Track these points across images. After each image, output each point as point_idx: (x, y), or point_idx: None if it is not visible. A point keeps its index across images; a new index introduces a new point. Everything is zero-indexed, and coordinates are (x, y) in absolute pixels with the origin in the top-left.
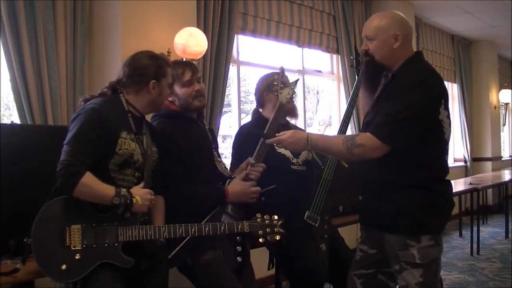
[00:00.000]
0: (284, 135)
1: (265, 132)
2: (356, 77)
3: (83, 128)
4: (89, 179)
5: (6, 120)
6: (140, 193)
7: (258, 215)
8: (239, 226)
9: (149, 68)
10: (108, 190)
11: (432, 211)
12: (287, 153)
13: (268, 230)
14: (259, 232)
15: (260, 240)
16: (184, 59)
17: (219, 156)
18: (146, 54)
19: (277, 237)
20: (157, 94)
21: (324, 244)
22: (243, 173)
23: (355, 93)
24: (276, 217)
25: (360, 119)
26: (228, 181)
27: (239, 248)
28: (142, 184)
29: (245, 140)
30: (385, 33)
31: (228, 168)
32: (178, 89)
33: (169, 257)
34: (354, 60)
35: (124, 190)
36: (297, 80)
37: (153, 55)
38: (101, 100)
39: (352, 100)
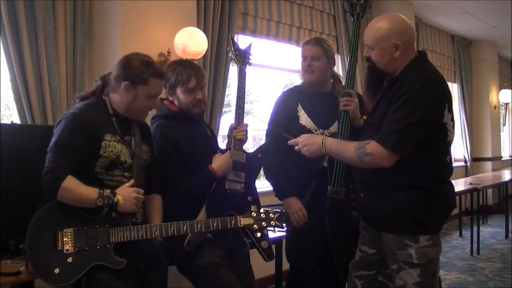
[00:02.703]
0: (300, 137)
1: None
2: (352, 20)
3: (63, 134)
4: (70, 183)
5: (6, 120)
6: (124, 192)
7: (253, 208)
8: (233, 222)
9: (131, 69)
10: (90, 192)
11: (430, 211)
12: (309, 124)
13: (263, 224)
14: (254, 226)
15: (258, 234)
16: (185, 59)
17: (221, 151)
18: (140, 57)
19: (275, 230)
20: (131, 98)
21: (355, 211)
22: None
23: (355, 45)
24: (272, 210)
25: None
26: None
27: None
28: (131, 182)
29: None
30: (384, 43)
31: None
32: (180, 93)
33: (189, 236)
34: (348, 3)
35: (108, 191)
36: (250, 44)
37: (146, 60)
38: (83, 104)
39: (352, 52)
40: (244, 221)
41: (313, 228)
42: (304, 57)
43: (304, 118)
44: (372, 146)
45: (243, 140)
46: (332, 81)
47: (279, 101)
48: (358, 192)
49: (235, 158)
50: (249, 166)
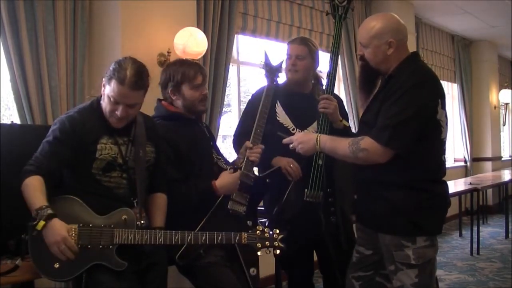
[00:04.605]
0: (295, 136)
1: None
2: (334, 22)
3: (51, 137)
4: (32, 182)
5: (6, 120)
6: (56, 226)
7: (259, 227)
8: (237, 237)
9: (108, 68)
10: (35, 200)
11: (427, 212)
12: (286, 122)
13: (267, 243)
14: (258, 245)
15: (259, 253)
16: (185, 58)
17: (218, 153)
18: (126, 61)
19: (277, 252)
20: (103, 98)
21: (332, 217)
22: (231, 170)
23: (337, 48)
24: (277, 231)
25: (360, 115)
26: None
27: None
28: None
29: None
30: (378, 41)
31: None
32: (186, 90)
33: (182, 251)
34: (330, 5)
35: (49, 211)
36: (281, 61)
37: (122, 65)
38: (79, 108)
39: (333, 53)
40: (248, 238)
41: (302, 233)
42: (289, 56)
43: (282, 116)
44: (366, 142)
45: (255, 162)
46: (313, 82)
47: (256, 96)
48: (352, 194)
49: (243, 179)
50: (255, 189)
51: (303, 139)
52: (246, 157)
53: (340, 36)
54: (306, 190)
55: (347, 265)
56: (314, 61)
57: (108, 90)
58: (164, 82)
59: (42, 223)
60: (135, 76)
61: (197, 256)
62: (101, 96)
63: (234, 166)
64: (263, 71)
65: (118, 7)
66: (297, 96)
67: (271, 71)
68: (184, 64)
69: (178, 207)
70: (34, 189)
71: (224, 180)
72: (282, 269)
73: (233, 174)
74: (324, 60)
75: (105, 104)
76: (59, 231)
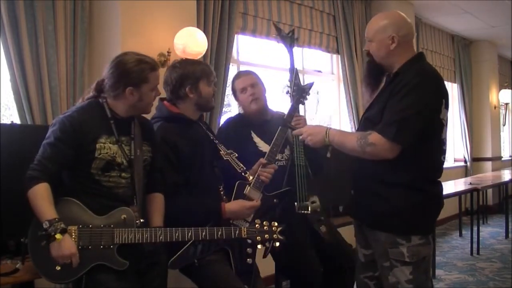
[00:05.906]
0: (304, 128)
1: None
2: (290, 56)
3: (52, 138)
4: (40, 190)
5: (6, 120)
6: (68, 242)
7: (257, 220)
8: (237, 232)
9: (130, 73)
10: (47, 211)
11: (424, 212)
12: (267, 149)
13: (266, 236)
14: (257, 238)
15: (259, 246)
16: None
17: (225, 149)
18: (131, 57)
19: (277, 244)
20: (137, 99)
21: (323, 226)
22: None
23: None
24: (276, 223)
25: (360, 115)
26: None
27: (249, 250)
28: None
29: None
30: (381, 35)
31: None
32: (204, 87)
33: (174, 258)
34: (280, 36)
35: (61, 224)
36: (311, 83)
37: (138, 59)
38: (77, 107)
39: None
40: (247, 232)
41: (298, 239)
42: (243, 89)
43: (262, 145)
44: (374, 137)
45: (265, 182)
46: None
47: (228, 128)
48: (349, 190)
49: (250, 195)
50: (261, 207)
51: (312, 131)
52: (257, 174)
53: (293, 60)
54: (295, 203)
55: (342, 273)
56: (263, 85)
57: (146, 88)
58: (179, 80)
59: (59, 236)
60: (150, 57)
61: (190, 265)
62: (98, 96)
63: (244, 173)
64: (289, 89)
65: (118, 7)
66: (265, 123)
67: (298, 89)
68: (198, 62)
69: (179, 216)
70: (42, 198)
71: (235, 207)
72: (288, 278)
73: (246, 206)
74: (322, 60)
75: (147, 100)
76: (70, 247)
